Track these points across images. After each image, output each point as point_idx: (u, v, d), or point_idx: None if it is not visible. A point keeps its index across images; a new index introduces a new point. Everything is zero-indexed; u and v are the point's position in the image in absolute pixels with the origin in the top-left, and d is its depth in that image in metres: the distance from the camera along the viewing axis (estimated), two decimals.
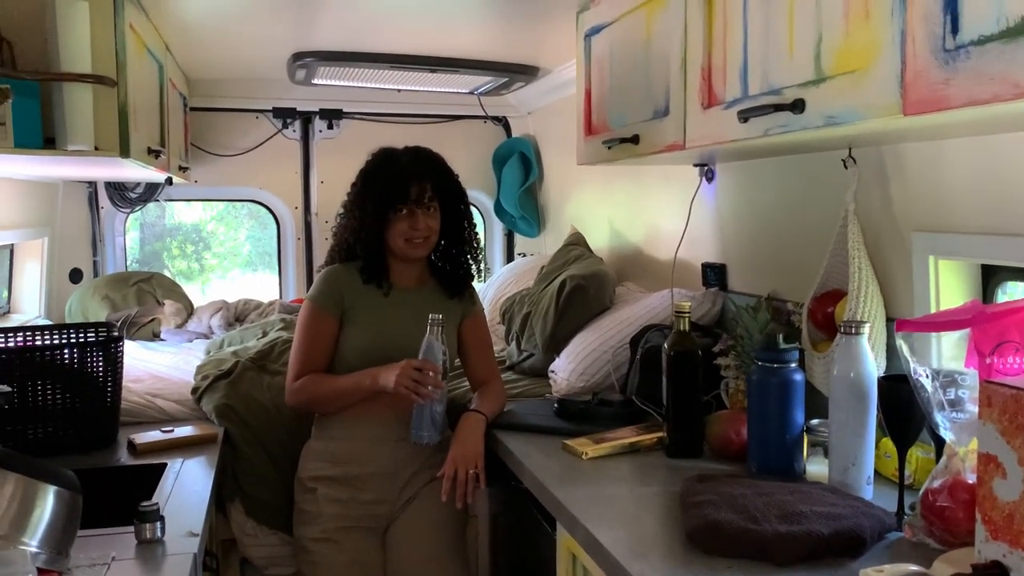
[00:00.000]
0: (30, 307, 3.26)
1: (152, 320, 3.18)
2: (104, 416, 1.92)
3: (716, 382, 2.03)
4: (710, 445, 1.82)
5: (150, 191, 3.63)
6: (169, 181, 2.98)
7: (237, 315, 3.23)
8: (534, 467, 1.79)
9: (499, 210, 3.94)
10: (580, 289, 2.50)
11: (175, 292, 3.36)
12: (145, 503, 1.38)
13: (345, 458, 2.00)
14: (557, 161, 3.69)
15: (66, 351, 1.85)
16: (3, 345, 1.93)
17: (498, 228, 4.14)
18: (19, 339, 1.95)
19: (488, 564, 2.30)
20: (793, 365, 1.63)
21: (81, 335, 2.02)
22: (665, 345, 1.84)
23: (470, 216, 2.14)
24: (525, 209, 3.82)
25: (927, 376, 1.30)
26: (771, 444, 1.63)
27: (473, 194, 4.06)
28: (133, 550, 1.35)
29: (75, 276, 3.55)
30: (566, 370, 2.38)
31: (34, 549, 1.15)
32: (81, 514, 1.26)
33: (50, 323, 2.09)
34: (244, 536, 2.11)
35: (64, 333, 1.99)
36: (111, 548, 1.34)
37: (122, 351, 1.96)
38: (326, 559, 1.97)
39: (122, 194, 3.60)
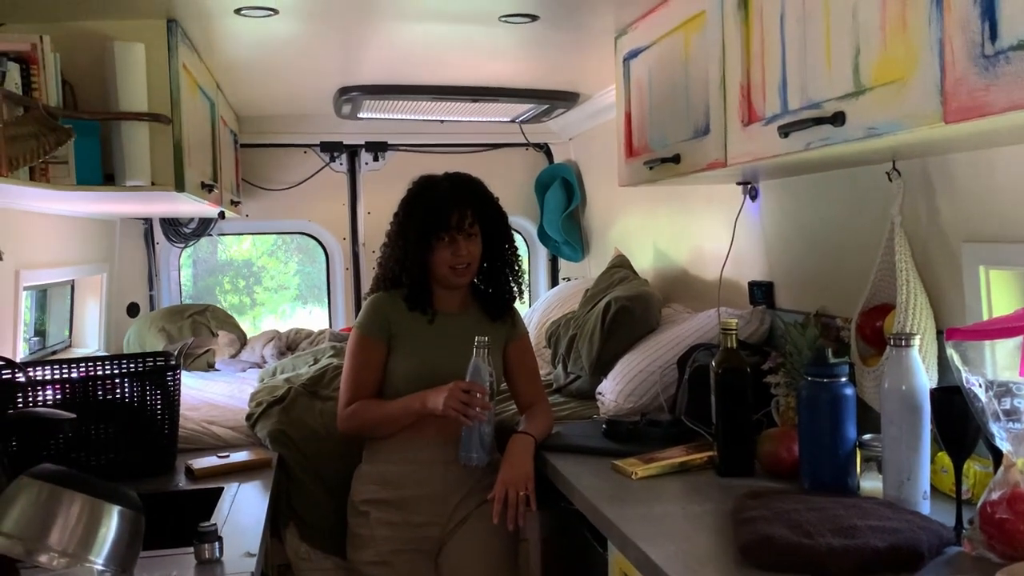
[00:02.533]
0: (90, 341, 3.37)
1: (207, 351, 3.25)
2: (162, 443, 1.98)
3: (766, 400, 2.01)
4: (761, 463, 1.80)
5: (203, 226, 3.74)
6: (222, 215, 3.07)
7: (289, 344, 3.29)
8: (584, 487, 1.79)
9: (543, 236, 3.97)
10: (626, 310, 2.50)
11: (228, 323, 3.44)
12: (204, 524, 1.41)
13: (396, 481, 2.02)
14: (599, 185, 3.71)
15: (125, 381, 1.91)
16: (65, 375, 2.00)
17: (542, 254, 4.17)
18: (80, 370, 2.02)
19: None
20: (843, 379, 1.62)
21: (139, 364, 2.08)
22: (713, 363, 1.84)
23: (511, 239, 2.16)
24: (568, 234, 3.84)
25: (980, 386, 1.28)
26: (823, 460, 1.61)
27: (516, 220, 4.13)
28: (192, 570, 1.39)
29: (132, 310, 3.66)
30: (613, 391, 2.39)
31: (100, 567, 1.19)
32: (144, 534, 1.30)
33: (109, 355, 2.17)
34: (299, 560, 2.14)
35: (123, 363, 2.05)
36: (172, 568, 1.37)
37: (179, 379, 2.02)
38: None
39: (176, 229, 3.71)
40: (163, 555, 1.44)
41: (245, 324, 4.46)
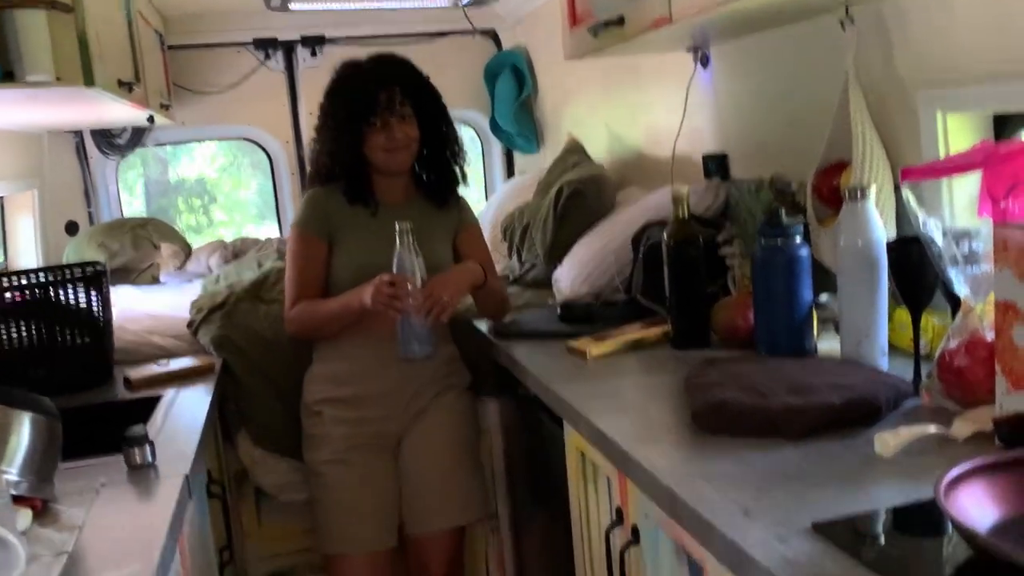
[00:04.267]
0: (27, 262, 3.23)
1: (151, 265, 3.13)
2: (96, 354, 1.88)
3: (723, 274, 1.96)
4: (717, 333, 1.75)
5: (137, 136, 3.55)
6: (151, 120, 2.89)
7: (235, 253, 3.18)
8: (538, 370, 1.73)
9: (495, 128, 3.83)
10: (578, 194, 2.41)
11: (172, 235, 3.30)
12: (132, 428, 1.33)
13: (349, 379, 1.95)
14: (551, 71, 3.56)
15: (50, 291, 1.80)
16: None
17: (497, 149, 4.03)
18: (3, 282, 1.90)
19: (504, 475, 2.28)
20: (798, 240, 1.55)
21: (65, 273, 1.96)
22: (665, 235, 1.76)
23: (448, 119, 2.05)
24: (522, 125, 3.70)
25: (938, 230, 1.22)
26: (779, 324, 1.56)
27: (467, 114, 3.97)
28: (124, 476, 1.32)
29: (71, 229, 3.50)
30: (568, 277, 2.32)
31: (13, 477, 1.11)
32: (62, 441, 1.22)
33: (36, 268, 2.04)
34: (254, 465, 2.09)
35: (47, 274, 1.93)
36: (101, 475, 1.30)
37: (107, 286, 1.91)
38: (338, 480, 1.94)
39: (109, 141, 3.52)
40: (92, 463, 1.37)
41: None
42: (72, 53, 1.88)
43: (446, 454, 2.00)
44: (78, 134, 3.50)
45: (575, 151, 2.90)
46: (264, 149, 3.82)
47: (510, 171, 4.03)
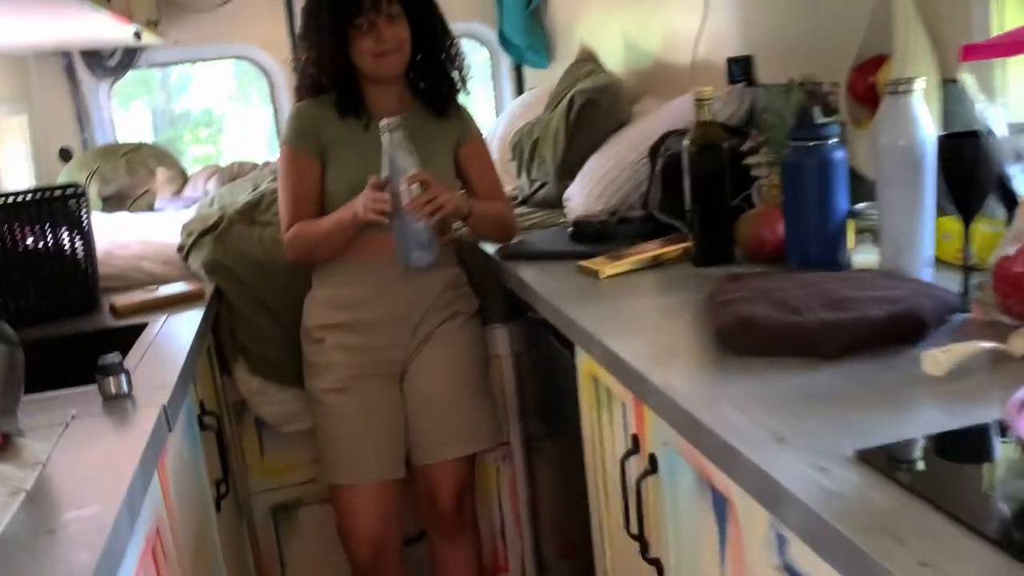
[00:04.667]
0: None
1: (146, 192, 3.01)
2: (78, 281, 1.77)
3: (747, 187, 1.81)
4: (742, 248, 1.62)
5: (128, 57, 3.39)
6: (138, 36, 2.73)
7: (233, 176, 3.04)
8: (548, 293, 1.61)
9: (504, 42, 3.63)
10: (591, 104, 2.25)
11: (167, 160, 3.17)
12: (106, 356, 1.23)
13: (352, 303, 1.84)
14: None
15: (23, 211, 1.68)
16: None
17: (506, 64, 3.83)
18: None
19: (515, 402, 2.18)
20: (833, 141, 1.40)
21: (39, 196, 1.84)
22: (685, 141, 1.61)
23: (443, 20, 1.89)
24: (532, 37, 3.50)
25: (1000, 122, 1.07)
26: (811, 235, 1.42)
27: (474, 27, 3.78)
28: (99, 408, 1.22)
29: (65, 155, 3.37)
30: (582, 194, 2.18)
31: None
32: (28, 370, 1.11)
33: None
34: (253, 395, 2.00)
35: (19, 197, 1.81)
36: (73, 407, 1.20)
37: (87, 208, 1.79)
38: (341, 409, 1.85)
39: (99, 63, 3.36)
40: (64, 395, 1.27)
41: None
42: None
43: (453, 382, 1.90)
44: (67, 56, 3.34)
45: (587, 61, 2.72)
46: (264, 69, 3.64)
47: (520, 88, 3.84)
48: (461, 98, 1.96)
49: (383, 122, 1.63)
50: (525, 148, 2.57)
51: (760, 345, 1.11)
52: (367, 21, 1.74)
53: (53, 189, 1.82)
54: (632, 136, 2.19)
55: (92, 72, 3.37)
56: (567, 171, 2.29)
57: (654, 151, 2.01)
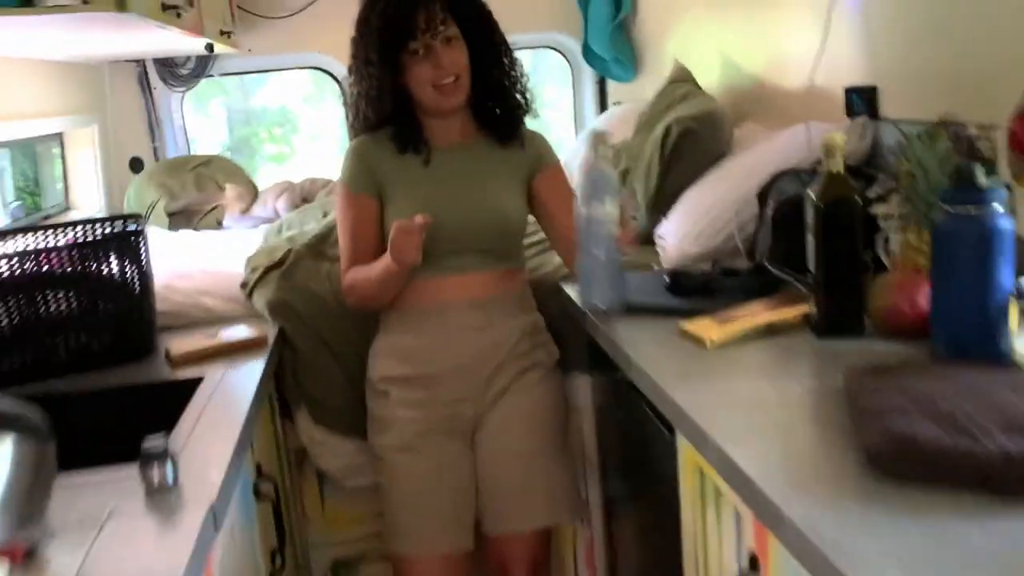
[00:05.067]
0: (89, 202, 3.05)
1: (215, 208, 2.91)
2: (135, 321, 1.65)
3: (872, 237, 1.59)
4: (875, 320, 1.40)
5: (201, 66, 3.30)
6: (209, 48, 2.63)
7: (304, 195, 2.92)
8: (644, 360, 1.42)
9: (587, 54, 3.44)
10: (689, 133, 2.04)
11: (237, 176, 3.07)
12: (151, 439, 1.08)
13: (417, 354, 1.68)
14: None
15: (75, 252, 1.56)
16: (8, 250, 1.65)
17: (588, 76, 3.64)
18: (29, 241, 1.67)
19: (596, 463, 2.00)
20: (998, 208, 1.18)
21: (97, 229, 1.72)
22: (811, 194, 1.40)
23: (503, 39, 1.73)
24: (618, 49, 3.30)
25: None
26: (966, 316, 1.20)
27: (555, 37, 3.59)
28: (140, 499, 1.07)
29: (135, 165, 3.31)
30: (677, 234, 1.97)
31: None
32: (56, 464, 0.98)
33: (67, 221, 1.80)
34: (314, 446, 1.86)
35: (75, 230, 1.69)
36: (111, 499, 1.06)
37: (146, 243, 1.66)
38: (406, 471, 1.69)
39: (172, 71, 3.29)
40: (104, 478, 1.13)
41: (286, 172, 4.07)
42: None
43: (531, 442, 1.72)
44: (140, 63, 3.28)
45: (683, 80, 2.51)
46: (336, 79, 3.53)
47: (603, 103, 3.64)
48: (532, 122, 1.80)
49: (592, 132, 1.50)
50: None
51: (924, 473, 0.90)
52: (422, 46, 1.59)
53: (112, 220, 1.70)
54: (735, 171, 1.97)
55: (165, 81, 3.30)
56: (660, 206, 2.09)
57: (763, 192, 1.80)
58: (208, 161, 3.06)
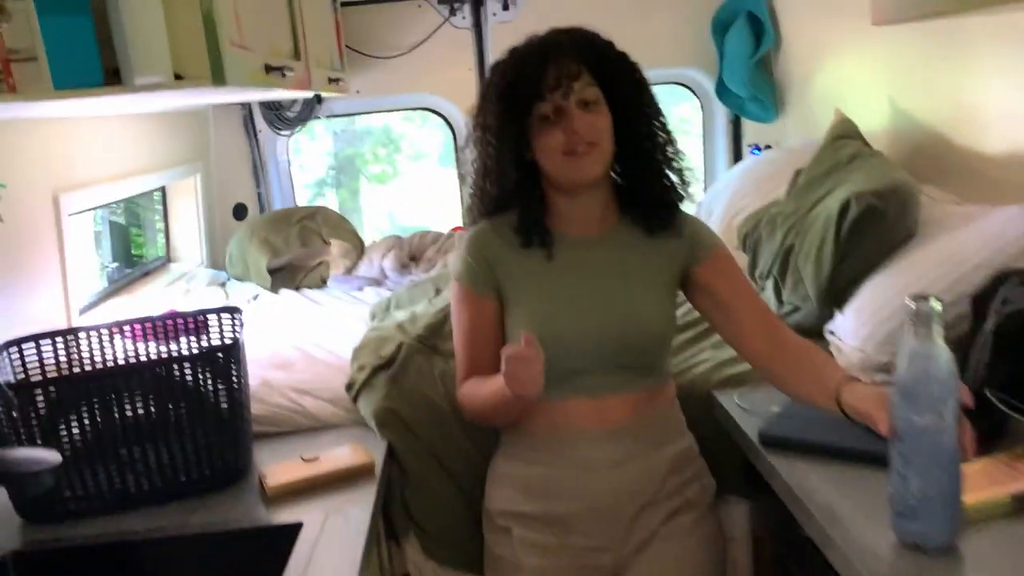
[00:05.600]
0: (190, 254, 2.91)
1: (320, 264, 2.72)
2: (226, 445, 1.43)
3: None
4: None
5: (308, 109, 3.13)
6: (318, 100, 2.43)
7: (412, 253, 2.70)
8: (840, 534, 1.10)
9: (721, 91, 3.11)
10: (874, 213, 1.70)
11: (342, 229, 2.87)
12: None
13: (544, 489, 1.40)
14: (802, 18, 2.79)
15: (147, 373, 1.34)
16: (73, 370, 1.45)
17: (720, 116, 3.30)
18: (93, 347, 1.47)
19: None
20: None
21: (190, 356, 1.50)
22: None
23: (657, 108, 1.41)
24: (757, 87, 2.96)
25: None
26: None
27: (687, 73, 3.26)
28: None
29: (239, 212, 3.17)
30: (857, 335, 1.63)
31: None
32: None
33: (139, 317, 1.59)
34: None
35: (160, 359, 1.48)
36: None
37: (240, 357, 1.44)
38: None
39: (279, 114, 3.13)
40: None
41: (389, 190, 3.86)
42: (195, 39, 1.40)
43: None
44: (246, 107, 3.13)
45: (848, 136, 2.16)
46: (447, 120, 3.31)
47: (737, 145, 3.29)
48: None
49: (915, 302, 1.00)
50: (764, 246, 2.05)
51: None
52: (552, 108, 1.31)
53: (199, 358, 1.46)
54: (933, 260, 1.62)
55: (272, 124, 3.14)
56: (834, 296, 1.75)
57: (982, 299, 1.45)
58: (313, 213, 2.87)
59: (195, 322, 1.57)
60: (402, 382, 1.62)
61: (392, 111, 3.64)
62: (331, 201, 8.84)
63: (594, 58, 1.35)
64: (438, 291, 2.04)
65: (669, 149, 1.42)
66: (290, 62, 1.96)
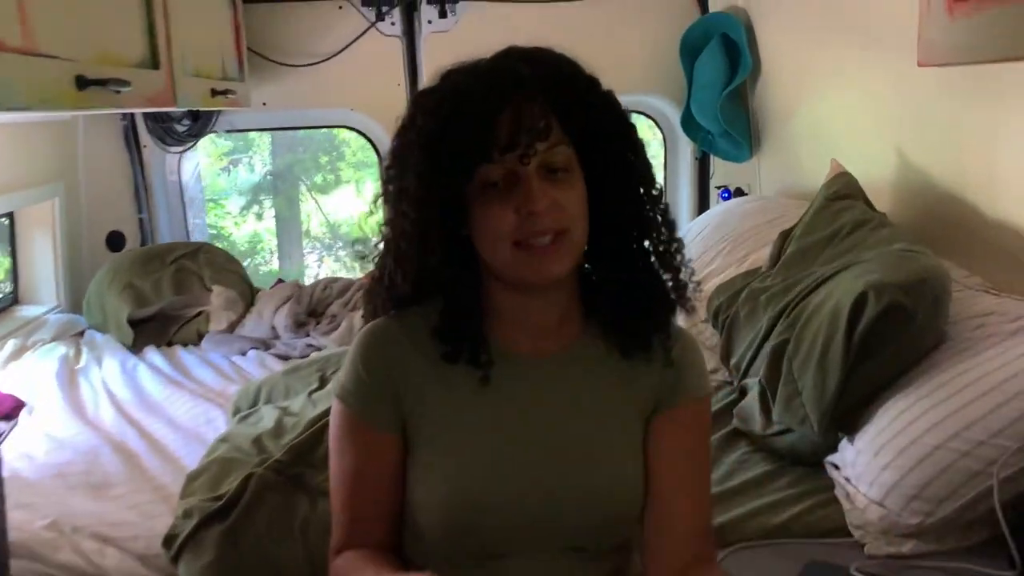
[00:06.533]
0: (45, 295, 2.39)
1: (199, 314, 2.21)
2: None
3: None
4: None
5: (205, 122, 2.63)
6: (193, 116, 1.94)
7: (312, 307, 2.21)
8: None
9: (688, 123, 2.69)
10: (899, 313, 1.27)
11: (228, 272, 2.37)
12: None
13: None
14: (784, 44, 2.39)
15: None
16: None
17: (684, 152, 2.88)
18: None
19: None
20: None
21: None
22: None
23: (651, 178, 0.95)
24: (730, 121, 2.55)
25: None
26: None
27: (649, 101, 2.83)
28: None
29: (115, 242, 2.64)
30: (875, 481, 1.21)
31: None
32: None
33: None
34: None
35: None
36: None
37: None
38: None
39: (167, 127, 2.62)
40: None
41: (331, 202, 3.38)
42: None
43: None
44: (127, 117, 2.62)
45: (849, 196, 1.75)
46: (371, 142, 2.84)
47: (703, 188, 2.87)
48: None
49: None
50: (747, 335, 1.62)
51: None
52: (503, 174, 0.86)
53: None
54: (977, 381, 1.20)
55: (159, 139, 2.63)
56: (841, 416, 1.32)
57: None
58: (195, 251, 2.37)
59: None
60: (243, 538, 1.14)
61: (305, 128, 3.14)
62: (267, 210, 8.29)
63: (569, 104, 0.89)
64: (323, 381, 1.56)
65: (663, 237, 0.97)
66: (132, 72, 1.47)
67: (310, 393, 1.51)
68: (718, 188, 2.78)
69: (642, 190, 0.95)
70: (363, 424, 0.95)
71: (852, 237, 1.61)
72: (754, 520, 1.24)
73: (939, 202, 1.72)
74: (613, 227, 0.94)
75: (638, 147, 0.95)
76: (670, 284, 0.97)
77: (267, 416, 1.45)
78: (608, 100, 0.94)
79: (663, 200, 0.97)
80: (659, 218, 0.96)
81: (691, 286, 0.99)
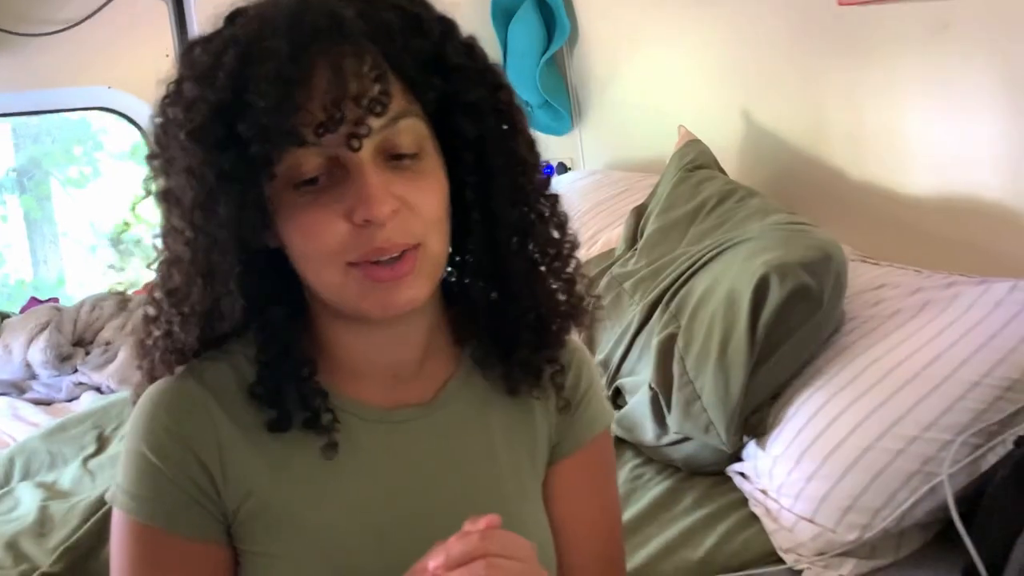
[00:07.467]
0: None
1: None
2: None
3: None
4: None
5: None
6: None
7: (79, 337, 1.77)
8: None
9: None
10: (805, 294, 1.12)
11: None
12: None
13: None
14: (606, 4, 2.21)
15: None
16: None
17: None
18: None
19: None
20: None
21: None
22: None
23: (535, 162, 0.70)
24: (550, 91, 2.39)
25: None
26: None
27: None
28: None
29: None
30: (802, 494, 1.06)
31: None
32: None
33: None
34: None
35: None
36: None
37: None
38: None
39: None
40: None
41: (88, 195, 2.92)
42: None
43: None
44: None
45: (703, 166, 1.60)
46: (136, 124, 2.40)
47: None
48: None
49: None
50: (613, 326, 1.43)
51: None
52: (323, 162, 0.60)
53: None
54: (898, 368, 1.07)
55: None
56: (749, 417, 1.16)
57: None
58: None
59: None
60: None
61: (49, 112, 2.64)
62: (13, 211, 7.27)
63: (417, 58, 0.63)
64: (102, 441, 1.18)
65: (553, 237, 0.72)
66: None
67: (85, 460, 1.13)
68: (546, 163, 2.60)
69: (524, 177, 0.70)
70: (167, 538, 0.64)
71: (718, 211, 1.45)
72: (670, 559, 1.04)
73: (796, 164, 1.62)
74: (487, 229, 0.69)
75: (517, 118, 0.70)
76: (562, 297, 0.74)
77: (25, 501, 1.05)
78: (473, 51, 0.68)
79: (550, 189, 0.73)
80: (547, 213, 0.72)
81: (588, 300, 0.76)
